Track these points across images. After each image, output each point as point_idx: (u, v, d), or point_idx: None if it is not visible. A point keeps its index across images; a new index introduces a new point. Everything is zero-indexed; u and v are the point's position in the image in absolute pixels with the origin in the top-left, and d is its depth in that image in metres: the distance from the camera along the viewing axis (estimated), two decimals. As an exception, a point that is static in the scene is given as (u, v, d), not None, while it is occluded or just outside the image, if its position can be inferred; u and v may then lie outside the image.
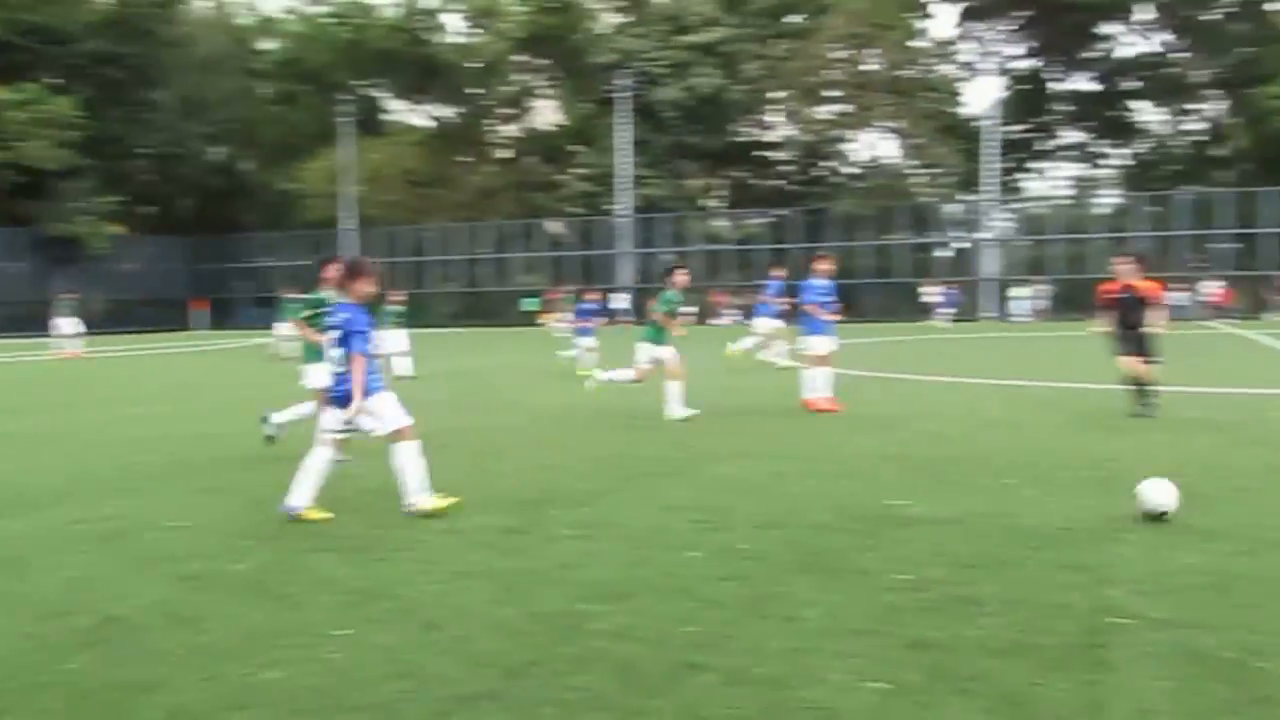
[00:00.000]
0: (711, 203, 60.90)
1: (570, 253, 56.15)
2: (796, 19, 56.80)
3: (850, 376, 18.96)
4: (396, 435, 7.03)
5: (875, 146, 56.05)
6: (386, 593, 5.31)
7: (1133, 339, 12.25)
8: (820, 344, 13.28)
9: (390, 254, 55.46)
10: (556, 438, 11.13)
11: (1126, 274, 12.62)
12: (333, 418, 7.12)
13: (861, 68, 52.45)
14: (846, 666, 4.16)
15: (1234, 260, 47.79)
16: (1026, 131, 59.37)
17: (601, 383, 13.41)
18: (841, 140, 55.33)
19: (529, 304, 53.10)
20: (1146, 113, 60.15)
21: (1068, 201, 57.57)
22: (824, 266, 13.58)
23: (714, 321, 49.75)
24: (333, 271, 8.74)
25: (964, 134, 53.32)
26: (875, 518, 6.83)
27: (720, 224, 58.64)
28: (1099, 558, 5.73)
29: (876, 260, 51.01)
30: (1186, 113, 59.06)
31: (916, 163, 53.73)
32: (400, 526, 6.77)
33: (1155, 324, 12.31)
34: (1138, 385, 12.24)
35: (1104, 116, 59.46)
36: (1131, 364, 12.22)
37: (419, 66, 60.95)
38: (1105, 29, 57.55)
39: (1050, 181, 62.57)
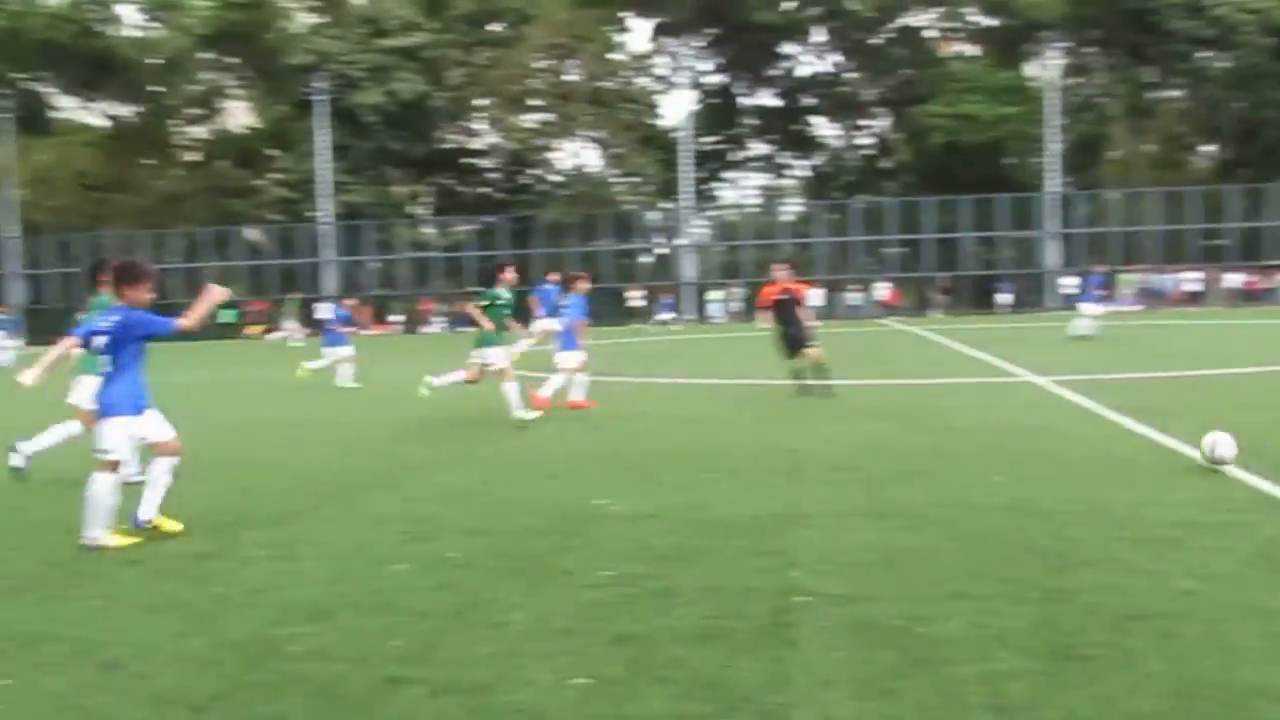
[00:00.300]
0: (418, 210, 59.96)
1: (270, 261, 53.66)
2: (498, 27, 56.94)
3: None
4: (108, 464, 6.55)
5: (579, 155, 57.10)
6: (58, 634, 4.87)
7: (795, 334, 14.02)
8: (575, 357, 13.83)
9: (64, 263, 50.98)
10: (257, 455, 10.63)
11: (784, 278, 14.44)
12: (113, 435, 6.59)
13: (564, 78, 53.29)
14: (551, 666, 4.23)
15: (901, 263, 52.21)
16: (718, 143, 62.31)
17: (435, 388, 12.92)
18: (547, 149, 55.97)
19: (226, 316, 50.25)
20: (824, 127, 64.67)
21: (757, 209, 60.94)
22: (584, 285, 14.35)
23: (424, 329, 49.03)
24: (108, 275, 8.00)
25: (662, 144, 55.28)
26: (581, 517, 6.98)
27: (428, 231, 57.87)
28: (785, 542, 6.11)
29: (583, 266, 51.75)
30: (859, 128, 63.97)
31: (618, 171, 55.18)
32: (76, 561, 6.24)
33: (808, 319, 14.19)
34: (816, 372, 13.81)
35: (787, 130, 63.39)
36: (806, 355, 13.87)
37: (91, 60, 56.23)
38: (786, 49, 61.35)
39: (741, 190, 66.05)
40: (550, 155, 56.14)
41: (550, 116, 53.29)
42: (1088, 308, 25.59)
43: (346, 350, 19.07)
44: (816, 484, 7.86)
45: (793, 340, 14.06)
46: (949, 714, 3.66)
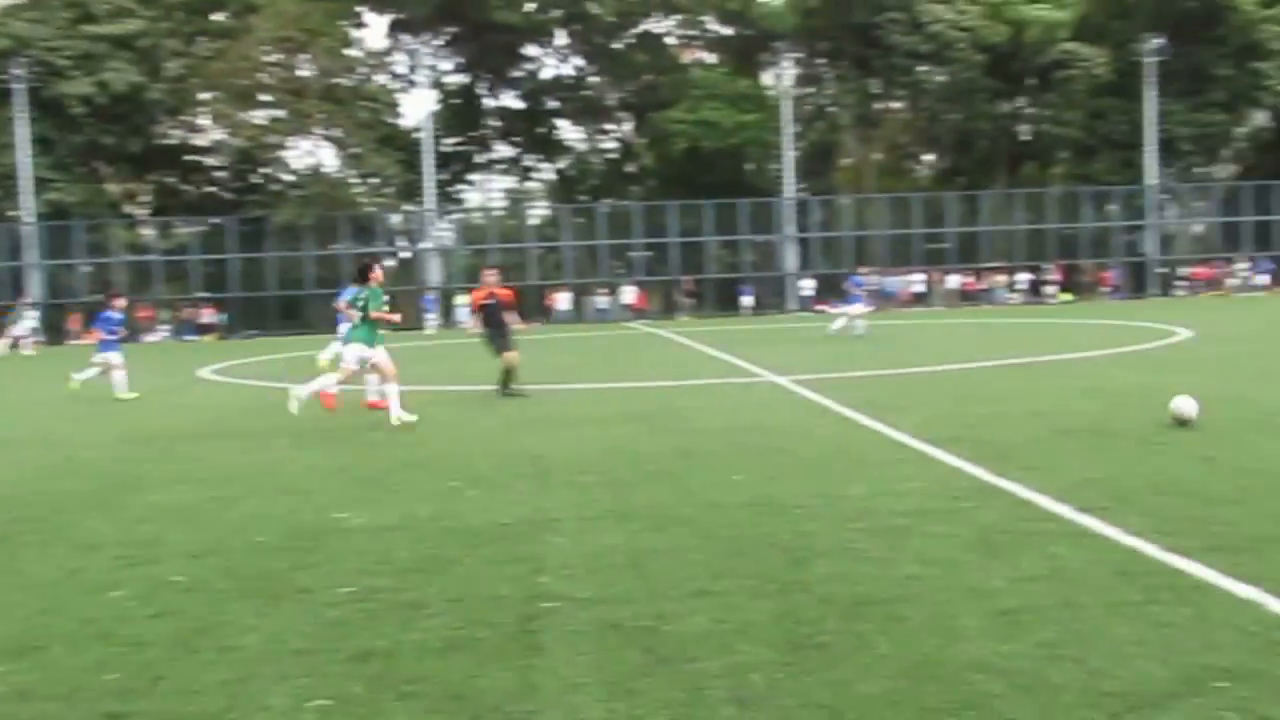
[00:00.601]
0: (136, 210, 55.98)
1: (-38, 265, 48.70)
2: (221, 17, 53.99)
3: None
4: None
5: (315, 154, 54.99)
6: None
7: (501, 336, 14.68)
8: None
9: None
10: (-54, 479, 9.58)
11: (492, 282, 15.14)
12: None
13: (296, 73, 51.15)
14: (288, 689, 4.04)
15: (647, 267, 53.29)
16: (462, 144, 61.68)
17: (303, 398, 12.02)
18: (279, 147, 53.53)
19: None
20: (568, 131, 65.22)
21: (503, 212, 60.74)
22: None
23: (146, 338, 45.87)
24: None
25: (403, 145, 54.07)
26: (319, 533, 6.69)
27: (147, 232, 54.08)
28: (533, 548, 6.07)
29: (320, 270, 50.13)
30: (604, 132, 64.94)
31: (357, 172, 53.53)
32: None
33: (514, 323, 14.89)
34: (507, 376, 14.50)
35: (532, 133, 63.48)
36: (511, 357, 14.49)
37: None
38: (530, 50, 61.46)
39: (487, 193, 65.67)
40: (283, 153, 53.70)
41: (281, 113, 50.98)
42: (856, 308, 26.78)
43: (113, 356, 17.39)
44: (563, 488, 7.86)
45: (499, 343, 14.71)
46: (693, 709, 3.71)
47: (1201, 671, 3.84)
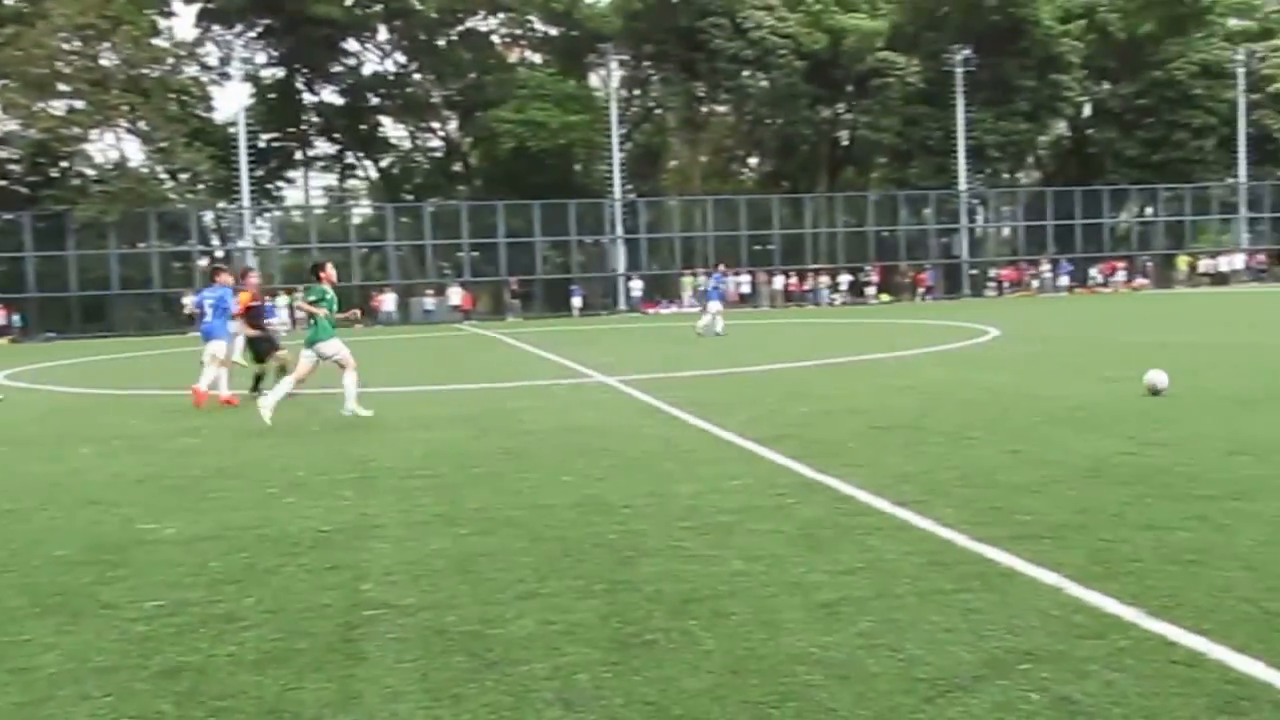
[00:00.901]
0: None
1: None
2: (12, 1, 50.50)
3: (103, 396, 17.59)
4: None
5: (120, 148, 52.10)
6: None
7: (264, 338, 15.50)
8: (224, 346, 14.66)
9: None
10: None
11: (255, 284, 15.96)
12: None
13: (100, 62, 48.34)
14: (89, 710, 3.82)
15: (475, 268, 52.69)
16: (280, 140, 59.62)
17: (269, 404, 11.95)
18: (81, 139, 50.44)
19: None
20: (392, 128, 63.87)
21: (324, 211, 58.99)
22: (226, 278, 15.06)
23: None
24: None
25: (216, 139, 51.85)
26: (125, 545, 6.33)
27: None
28: (356, 555, 5.90)
29: (126, 269, 47.68)
30: (429, 130, 63.86)
31: (166, 167, 51.00)
32: None
33: (276, 326, 15.14)
34: (283, 372, 14.66)
35: (355, 130, 61.90)
36: (278, 358, 14.95)
37: None
38: (350, 45, 59.94)
39: (308, 191, 63.71)
40: (85, 146, 50.60)
41: (81, 104, 48.04)
42: (714, 305, 27.03)
43: None
44: (388, 493, 7.68)
45: (263, 344, 15.29)
46: (519, 712, 3.67)
47: (1007, 655, 4.03)
